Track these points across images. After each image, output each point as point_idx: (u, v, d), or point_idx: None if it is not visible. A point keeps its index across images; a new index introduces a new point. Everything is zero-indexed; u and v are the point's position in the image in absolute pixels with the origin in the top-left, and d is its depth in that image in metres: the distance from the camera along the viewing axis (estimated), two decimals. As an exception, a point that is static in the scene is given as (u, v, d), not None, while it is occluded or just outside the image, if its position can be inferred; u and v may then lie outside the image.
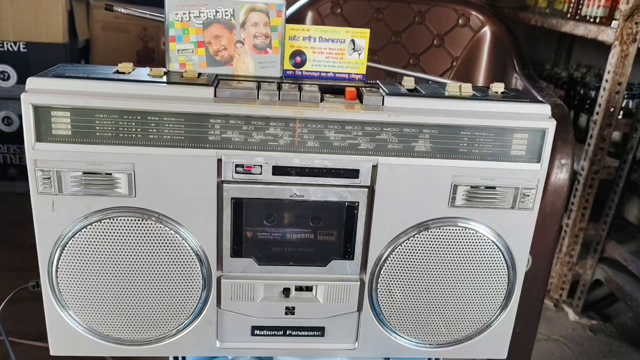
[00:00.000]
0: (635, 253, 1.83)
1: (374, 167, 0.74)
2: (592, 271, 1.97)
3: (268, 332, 0.81)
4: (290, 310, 0.80)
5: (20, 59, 2.30)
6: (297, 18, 1.41)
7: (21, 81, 2.32)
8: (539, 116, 0.74)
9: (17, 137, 2.40)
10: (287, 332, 0.82)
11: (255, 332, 0.81)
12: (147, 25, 2.55)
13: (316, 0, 1.43)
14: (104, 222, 0.72)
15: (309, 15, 1.42)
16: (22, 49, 2.30)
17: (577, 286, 2.02)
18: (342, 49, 0.79)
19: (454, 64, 1.45)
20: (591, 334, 1.89)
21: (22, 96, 0.67)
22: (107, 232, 0.72)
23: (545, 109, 0.75)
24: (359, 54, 0.80)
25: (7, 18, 2.24)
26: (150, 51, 2.59)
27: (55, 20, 2.28)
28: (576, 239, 1.99)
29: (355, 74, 0.81)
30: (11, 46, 2.29)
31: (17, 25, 2.26)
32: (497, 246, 0.78)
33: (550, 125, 0.73)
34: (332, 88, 0.77)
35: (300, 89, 0.73)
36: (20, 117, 0.68)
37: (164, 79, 0.73)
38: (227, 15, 0.76)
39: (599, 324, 1.94)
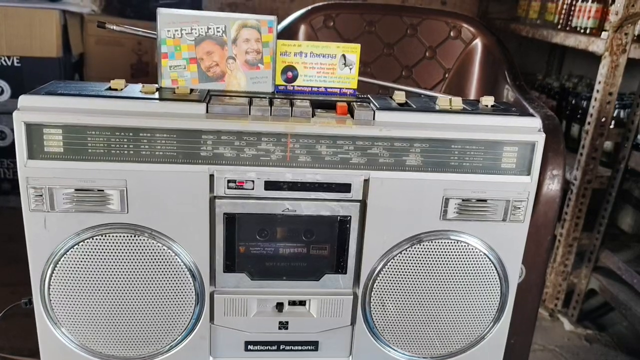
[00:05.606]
0: (629, 262, 1.83)
1: (366, 181, 0.74)
2: (586, 281, 1.97)
3: (262, 347, 0.81)
4: (283, 325, 0.80)
5: (14, 74, 2.30)
6: (289, 32, 1.41)
7: (15, 95, 2.32)
8: (528, 129, 0.75)
9: (11, 151, 2.39)
10: (281, 347, 0.81)
11: (249, 347, 0.81)
12: (141, 39, 2.56)
13: (309, 14, 1.44)
14: (97, 239, 0.72)
15: (302, 28, 1.43)
16: (15, 64, 2.30)
17: (572, 296, 2.02)
18: (333, 64, 0.80)
19: (446, 75, 1.46)
20: (587, 343, 1.88)
21: (15, 114, 0.67)
22: (99, 249, 0.72)
23: (535, 122, 0.75)
24: (350, 69, 0.80)
25: (1, 32, 2.25)
26: (144, 65, 2.60)
27: (49, 34, 2.28)
28: (570, 249, 1.99)
29: (346, 88, 0.81)
30: (5, 60, 2.29)
31: (10, 40, 2.26)
32: (489, 259, 0.78)
33: (540, 139, 0.74)
34: (323, 103, 0.78)
35: (291, 104, 0.74)
36: (14, 131, 0.68)
37: (156, 95, 0.73)
38: (218, 31, 0.76)
39: (594, 334, 1.93)
